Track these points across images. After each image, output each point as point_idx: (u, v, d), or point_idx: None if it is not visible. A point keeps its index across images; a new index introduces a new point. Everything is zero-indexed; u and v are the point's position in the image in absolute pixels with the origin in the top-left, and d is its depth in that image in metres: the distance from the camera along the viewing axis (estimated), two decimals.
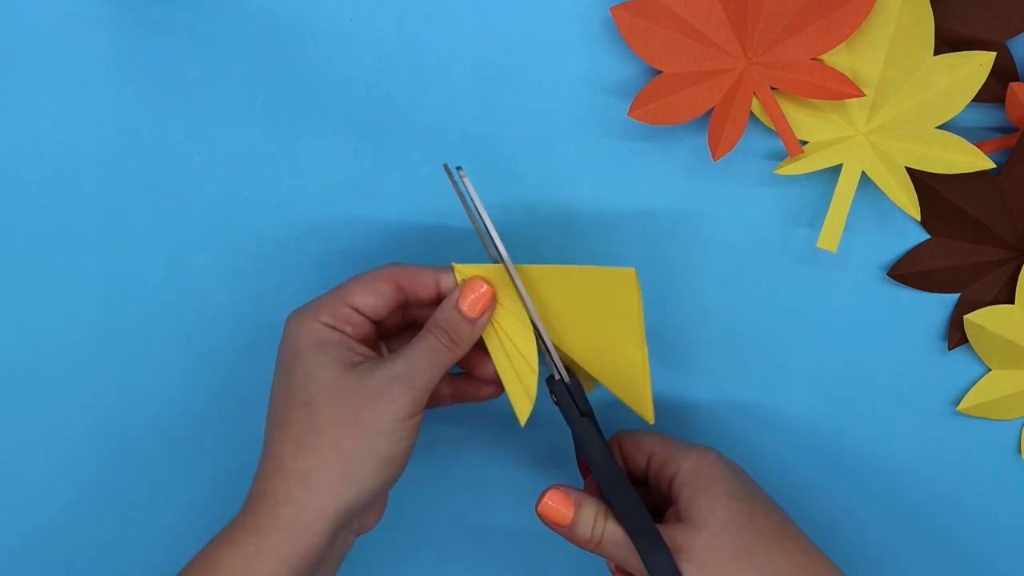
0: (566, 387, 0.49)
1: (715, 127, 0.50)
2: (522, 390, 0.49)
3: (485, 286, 0.48)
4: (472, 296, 0.48)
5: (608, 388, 0.51)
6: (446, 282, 0.49)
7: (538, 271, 0.49)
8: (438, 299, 0.49)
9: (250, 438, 0.51)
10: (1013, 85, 0.50)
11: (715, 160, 0.51)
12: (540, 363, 0.49)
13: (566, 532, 0.48)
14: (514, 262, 0.49)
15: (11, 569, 0.58)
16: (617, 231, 0.54)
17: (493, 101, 0.53)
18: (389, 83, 0.53)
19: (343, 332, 0.47)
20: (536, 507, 0.48)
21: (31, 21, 0.52)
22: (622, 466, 0.51)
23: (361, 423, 0.45)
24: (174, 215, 0.54)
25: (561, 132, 0.53)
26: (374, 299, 0.48)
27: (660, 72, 0.50)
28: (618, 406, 0.52)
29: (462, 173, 0.48)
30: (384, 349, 0.51)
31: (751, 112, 0.51)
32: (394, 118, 0.53)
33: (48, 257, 0.55)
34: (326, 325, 0.47)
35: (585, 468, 0.53)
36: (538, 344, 0.49)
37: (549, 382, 0.50)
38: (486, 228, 0.48)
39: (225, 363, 0.55)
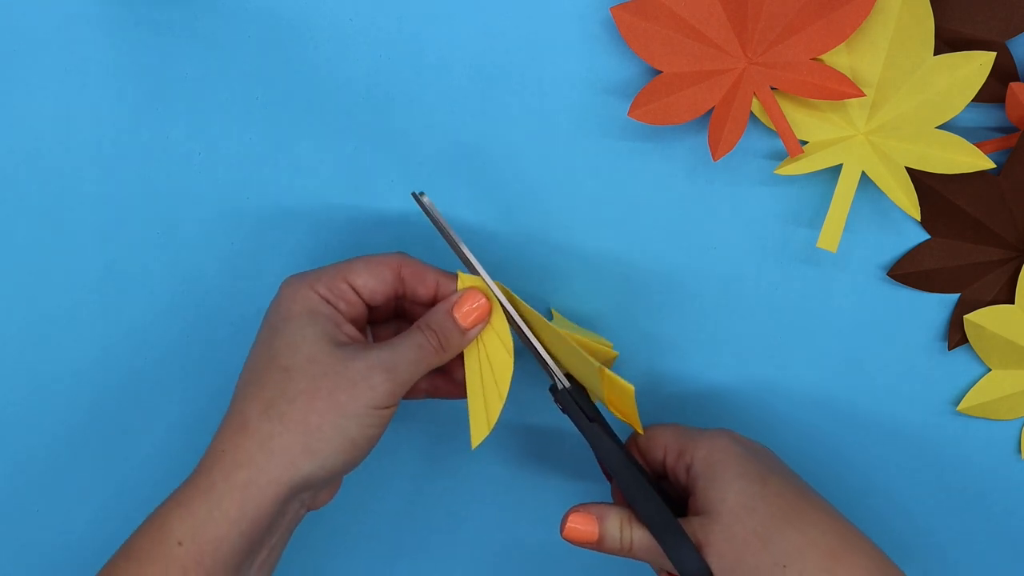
0: (569, 394, 0.49)
1: (715, 127, 0.50)
2: (484, 413, 0.49)
3: (483, 300, 0.49)
4: (468, 307, 0.48)
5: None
6: (446, 287, 0.49)
7: (537, 318, 0.49)
8: (434, 301, 0.49)
9: None
10: (1013, 85, 0.50)
11: (715, 160, 0.51)
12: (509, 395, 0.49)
13: (596, 547, 0.48)
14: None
15: (11, 570, 0.58)
16: (617, 231, 0.54)
17: (493, 101, 0.53)
18: (389, 83, 0.53)
19: (335, 307, 0.47)
20: (561, 533, 0.48)
21: (31, 21, 0.52)
22: (641, 464, 0.51)
23: (334, 402, 0.45)
24: (174, 215, 0.54)
25: (561, 132, 0.53)
26: (374, 283, 0.48)
27: (660, 72, 0.50)
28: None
29: (425, 198, 0.48)
30: (370, 334, 0.52)
31: (751, 112, 0.51)
32: (394, 118, 0.53)
33: (48, 257, 0.55)
34: (320, 296, 0.47)
35: (607, 472, 0.53)
36: (535, 354, 0.49)
37: (552, 392, 0.50)
38: (462, 252, 0.48)
39: (225, 363, 0.55)
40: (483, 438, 0.49)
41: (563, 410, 0.50)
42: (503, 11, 0.52)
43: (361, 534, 0.59)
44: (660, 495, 0.49)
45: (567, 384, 0.50)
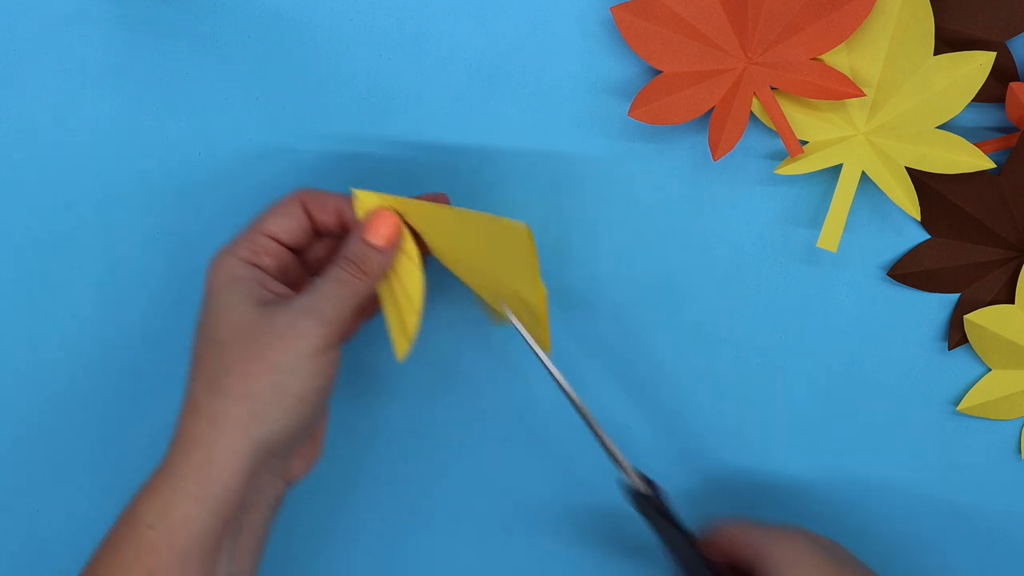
0: (644, 498, 0.50)
1: (715, 127, 0.50)
2: (401, 328, 0.49)
3: (392, 218, 0.48)
4: (379, 227, 0.47)
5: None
6: (347, 210, 0.48)
7: (434, 209, 0.48)
8: (341, 228, 0.49)
9: None
10: (1013, 85, 0.50)
11: (715, 160, 0.51)
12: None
13: None
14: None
15: (12, 570, 0.58)
16: (617, 231, 0.54)
17: (493, 101, 0.53)
18: (389, 83, 0.53)
19: (259, 266, 0.47)
20: None
21: (31, 21, 0.52)
22: (711, 559, 0.51)
23: (269, 361, 0.44)
24: (174, 215, 0.54)
25: (561, 132, 0.53)
26: (287, 221, 0.48)
27: (660, 72, 0.50)
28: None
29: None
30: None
31: (751, 112, 0.51)
32: (394, 118, 0.53)
33: (48, 257, 0.55)
34: (242, 260, 0.46)
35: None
36: (606, 449, 0.50)
37: (627, 492, 0.50)
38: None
39: None
40: (406, 350, 0.49)
41: (635, 507, 0.50)
42: (503, 11, 0.52)
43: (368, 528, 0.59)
44: None
45: (641, 488, 0.50)
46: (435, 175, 0.54)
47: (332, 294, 0.46)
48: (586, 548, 0.58)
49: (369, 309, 0.51)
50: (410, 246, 0.48)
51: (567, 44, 0.52)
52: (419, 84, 0.53)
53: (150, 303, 0.55)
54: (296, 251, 0.49)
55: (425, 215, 0.48)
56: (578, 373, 0.56)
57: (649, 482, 0.51)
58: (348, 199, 0.49)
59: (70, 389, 0.56)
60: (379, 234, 0.47)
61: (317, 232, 0.50)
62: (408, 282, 0.49)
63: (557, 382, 0.49)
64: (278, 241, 0.48)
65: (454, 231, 0.49)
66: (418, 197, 0.49)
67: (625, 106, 0.52)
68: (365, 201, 0.48)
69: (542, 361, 0.49)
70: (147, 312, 0.55)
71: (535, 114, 0.53)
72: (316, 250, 0.50)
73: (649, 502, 0.50)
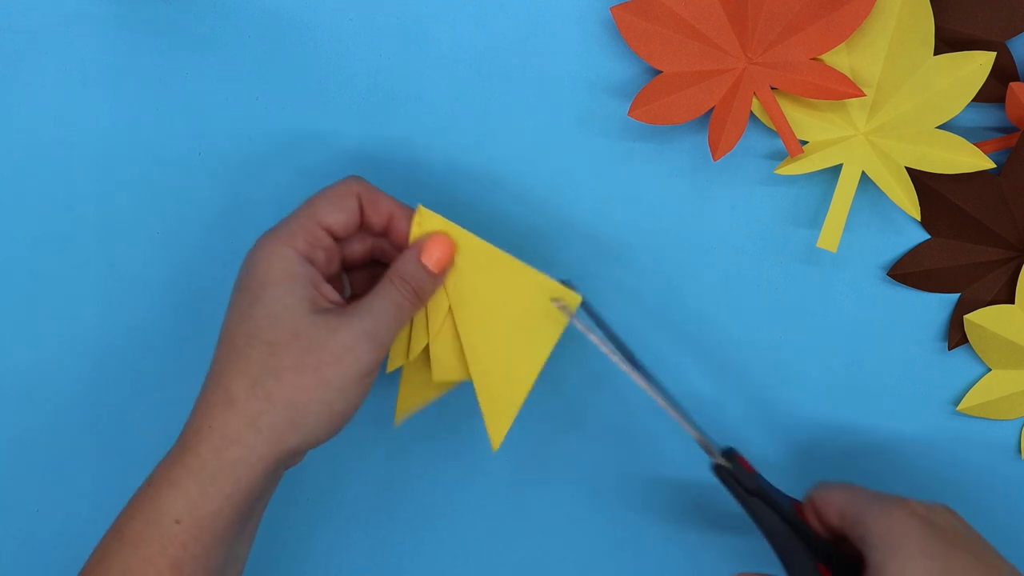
0: (729, 472, 0.49)
1: (715, 127, 0.50)
2: (405, 347, 0.50)
3: (450, 244, 0.48)
4: (436, 252, 0.48)
5: (476, 390, 0.50)
6: (400, 219, 0.48)
7: (489, 251, 0.48)
8: (386, 231, 0.49)
9: None
10: (1013, 85, 0.50)
11: (715, 160, 0.51)
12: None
13: None
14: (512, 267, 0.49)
15: (12, 570, 0.58)
16: (617, 231, 0.54)
17: (493, 101, 0.53)
18: (389, 83, 0.53)
19: (314, 261, 0.47)
20: None
21: (31, 21, 0.52)
22: (814, 526, 0.50)
23: (320, 378, 0.44)
24: (174, 215, 0.54)
25: (561, 132, 0.53)
26: (343, 216, 0.47)
27: (660, 72, 0.50)
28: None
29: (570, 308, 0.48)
30: (346, 282, 0.51)
31: (751, 112, 0.51)
32: (394, 118, 0.53)
33: (48, 257, 0.55)
34: (299, 254, 0.46)
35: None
36: (690, 428, 0.49)
37: (713, 467, 0.50)
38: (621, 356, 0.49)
39: None
40: (399, 366, 0.50)
41: (723, 483, 0.50)
42: (503, 11, 0.52)
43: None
44: (829, 558, 0.48)
45: (724, 463, 0.49)
46: (435, 175, 0.54)
47: (389, 319, 0.46)
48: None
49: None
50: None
51: (567, 44, 0.52)
52: (419, 84, 0.53)
53: (150, 303, 0.55)
54: (342, 242, 0.49)
55: (476, 252, 0.49)
56: (579, 373, 0.56)
57: (729, 454, 0.50)
58: (402, 205, 0.49)
59: (70, 389, 0.56)
60: (434, 259, 0.48)
61: (362, 227, 0.49)
62: (431, 305, 0.49)
63: (630, 370, 0.50)
64: (332, 234, 0.48)
65: (492, 277, 0.49)
66: None
67: (625, 106, 0.52)
68: (425, 219, 0.48)
69: (609, 355, 0.49)
70: (147, 312, 0.55)
71: (535, 114, 0.53)
72: (354, 243, 0.50)
73: (735, 477, 0.49)
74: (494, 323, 0.49)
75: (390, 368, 0.51)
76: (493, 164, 0.54)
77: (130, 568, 0.44)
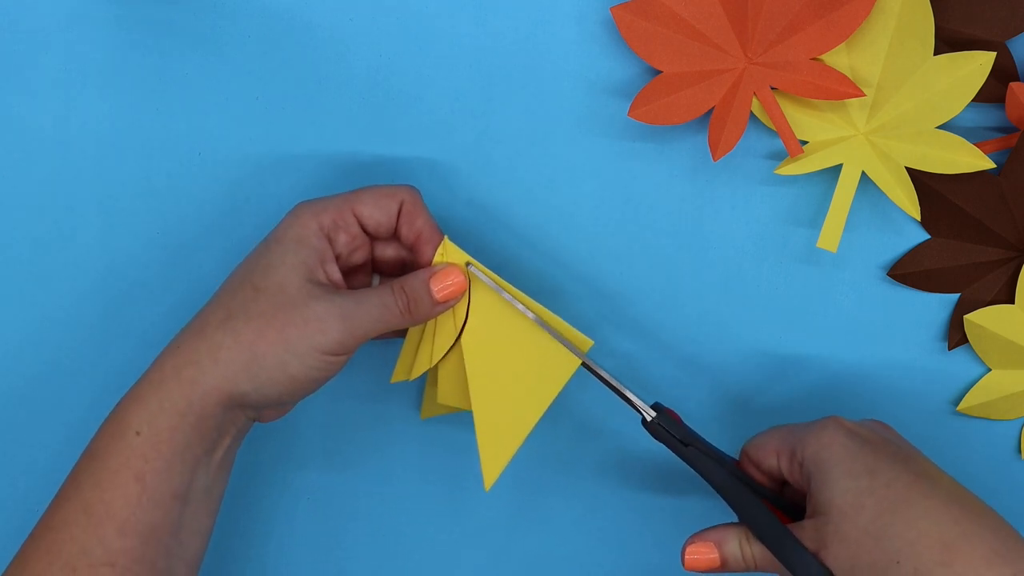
0: (660, 426, 0.49)
1: (715, 127, 0.50)
2: (408, 365, 0.51)
3: (461, 278, 0.48)
4: (447, 282, 0.48)
5: (475, 425, 0.50)
6: (427, 239, 0.49)
7: (502, 305, 0.49)
8: (412, 246, 0.49)
9: (251, 438, 0.51)
10: (1013, 85, 0.50)
11: (715, 160, 0.51)
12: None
13: (720, 571, 0.48)
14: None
15: None
16: (617, 231, 0.54)
17: (493, 101, 0.53)
18: (389, 83, 0.53)
19: (332, 240, 0.48)
20: (683, 566, 0.48)
21: (31, 21, 0.52)
22: (756, 475, 0.50)
23: (282, 335, 0.45)
24: (174, 215, 0.54)
25: (561, 132, 0.53)
26: (379, 214, 0.48)
27: (660, 72, 0.50)
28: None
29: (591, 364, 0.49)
30: (376, 281, 0.52)
31: (751, 112, 0.51)
32: (394, 118, 0.53)
33: (48, 257, 0.55)
34: (320, 228, 0.47)
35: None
36: (617, 391, 0.49)
37: (644, 424, 0.50)
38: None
39: None
40: (400, 380, 0.52)
41: (656, 439, 0.49)
42: (503, 11, 0.52)
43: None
44: (777, 503, 0.48)
45: (653, 415, 0.49)
46: (435, 175, 0.54)
47: (372, 313, 0.47)
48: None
49: (392, 332, 0.52)
50: (460, 311, 0.49)
51: (567, 44, 0.52)
52: (419, 84, 0.53)
53: (150, 303, 0.55)
54: (373, 239, 0.50)
55: (490, 300, 0.49)
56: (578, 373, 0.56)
57: (664, 411, 0.50)
58: (436, 229, 0.49)
59: (70, 389, 0.56)
60: (442, 287, 0.48)
61: (396, 235, 0.50)
62: (439, 336, 0.50)
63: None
64: (362, 225, 0.49)
65: (502, 328, 0.50)
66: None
67: (625, 106, 0.52)
68: (449, 252, 0.49)
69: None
70: (147, 312, 0.55)
71: (535, 114, 0.53)
72: (388, 247, 0.51)
73: (667, 431, 0.49)
74: (502, 360, 0.50)
75: (394, 379, 0.52)
76: (493, 164, 0.54)
77: (100, 483, 0.45)
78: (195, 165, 0.54)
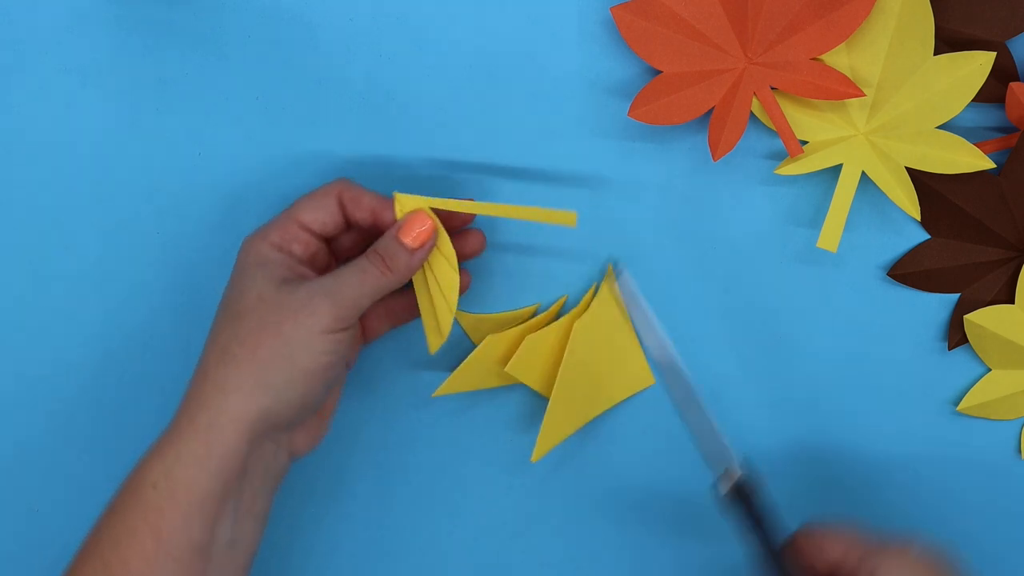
0: (733, 500, 0.48)
1: (715, 127, 0.50)
2: (436, 327, 0.51)
3: (428, 221, 0.48)
4: (416, 229, 0.48)
5: (550, 405, 0.53)
6: (382, 211, 0.49)
7: (476, 207, 0.50)
8: (374, 227, 0.49)
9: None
10: (1013, 85, 0.50)
11: (715, 160, 0.51)
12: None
13: None
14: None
15: (12, 570, 0.58)
16: (617, 231, 0.54)
17: (493, 101, 0.53)
18: (389, 83, 0.53)
19: (289, 252, 0.48)
20: None
21: (31, 21, 0.52)
22: (804, 568, 0.48)
23: (280, 333, 0.45)
24: (174, 215, 0.54)
25: (561, 132, 0.53)
26: (320, 214, 0.49)
27: (660, 72, 0.50)
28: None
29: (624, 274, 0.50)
30: None
31: (751, 112, 0.51)
32: (394, 118, 0.53)
33: (48, 258, 0.55)
34: (272, 245, 0.48)
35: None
36: (701, 441, 0.50)
37: (722, 487, 0.49)
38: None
39: None
40: (439, 346, 0.51)
41: (726, 503, 0.49)
42: (503, 11, 0.52)
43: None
44: None
45: (742, 482, 0.48)
46: (435, 175, 0.54)
47: (352, 281, 0.47)
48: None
49: (402, 315, 0.53)
50: (447, 248, 0.49)
51: (567, 44, 0.52)
52: (419, 84, 0.53)
53: (150, 303, 0.55)
54: (327, 240, 0.50)
55: (609, 303, 0.53)
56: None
57: (748, 481, 0.49)
58: (385, 199, 0.49)
59: (69, 389, 0.56)
60: (412, 235, 0.48)
61: (350, 225, 0.50)
62: (444, 282, 0.50)
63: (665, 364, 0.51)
64: (309, 231, 0.49)
65: (608, 329, 0.54)
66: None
67: (625, 106, 0.52)
68: (406, 204, 0.49)
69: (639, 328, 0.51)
70: (147, 312, 0.55)
71: (535, 114, 0.53)
72: (346, 239, 0.51)
73: (743, 507, 0.48)
74: (596, 356, 0.54)
75: (433, 350, 0.51)
76: (493, 164, 0.54)
77: (117, 540, 0.44)
78: (195, 165, 0.54)
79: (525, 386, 0.55)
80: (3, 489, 0.57)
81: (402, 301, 0.52)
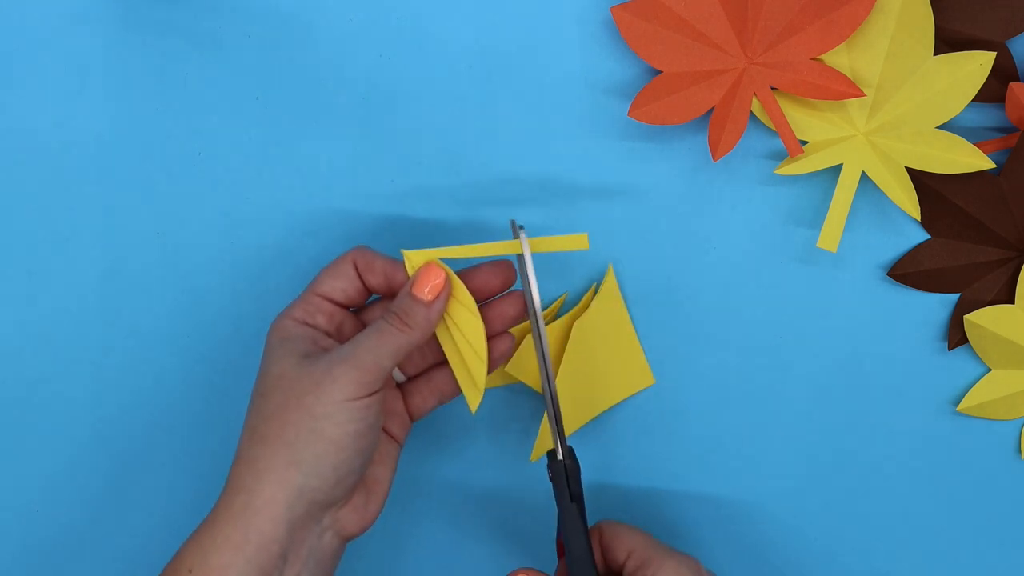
0: (565, 468, 0.49)
1: (715, 127, 0.51)
2: (471, 381, 0.49)
3: (440, 272, 0.48)
4: (428, 283, 0.48)
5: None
6: (393, 274, 0.49)
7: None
8: (388, 290, 0.49)
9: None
10: (1013, 85, 0.50)
11: (715, 160, 0.51)
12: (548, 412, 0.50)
13: None
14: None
15: (11, 570, 0.58)
16: (617, 231, 0.54)
17: (493, 101, 0.53)
18: (389, 83, 0.53)
19: (314, 325, 0.48)
20: None
21: (31, 21, 0.52)
22: (599, 557, 0.50)
23: (304, 407, 0.45)
24: (174, 215, 0.54)
25: (561, 132, 0.53)
26: (339, 283, 0.49)
27: (660, 72, 0.50)
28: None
29: (522, 233, 0.49)
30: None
31: (751, 112, 0.51)
32: (394, 118, 0.53)
33: (47, 257, 0.55)
34: (295, 320, 0.48)
35: (561, 550, 0.51)
36: (549, 415, 0.49)
37: (550, 457, 0.50)
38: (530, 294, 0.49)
39: (225, 363, 0.55)
40: (478, 402, 0.49)
41: (551, 478, 0.49)
42: (503, 11, 0.52)
43: None
44: None
45: (563, 457, 0.49)
46: (435, 175, 0.54)
47: (370, 344, 0.46)
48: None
49: (446, 390, 0.51)
50: (464, 296, 0.48)
51: (567, 44, 0.52)
52: (419, 84, 0.53)
53: (150, 304, 0.55)
54: (354, 309, 0.50)
55: (611, 304, 0.54)
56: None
57: (574, 458, 0.50)
58: (397, 262, 0.49)
59: (69, 389, 0.56)
60: (426, 288, 0.47)
61: (369, 292, 0.50)
62: (468, 331, 0.49)
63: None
64: (332, 301, 0.49)
65: (608, 330, 0.54)
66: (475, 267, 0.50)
67: (625, 106, 0.52)
68: (415, 260, 0.48)
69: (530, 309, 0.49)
70: (147, 313, 0.55)
71: (535, 114, 0.53)
72: (378, 309, 0.51)
73: (567, 480, 0.49)
74: (595, 356, 0.54)
75: (473, 408, 0.49)
76: (492, 164, 0.54)
77: None
78: (195, 165, 0.54)
79: (525, 386, 0.55)
80: (3, 490, 0.57)
81: (444, 375, 0.51)
